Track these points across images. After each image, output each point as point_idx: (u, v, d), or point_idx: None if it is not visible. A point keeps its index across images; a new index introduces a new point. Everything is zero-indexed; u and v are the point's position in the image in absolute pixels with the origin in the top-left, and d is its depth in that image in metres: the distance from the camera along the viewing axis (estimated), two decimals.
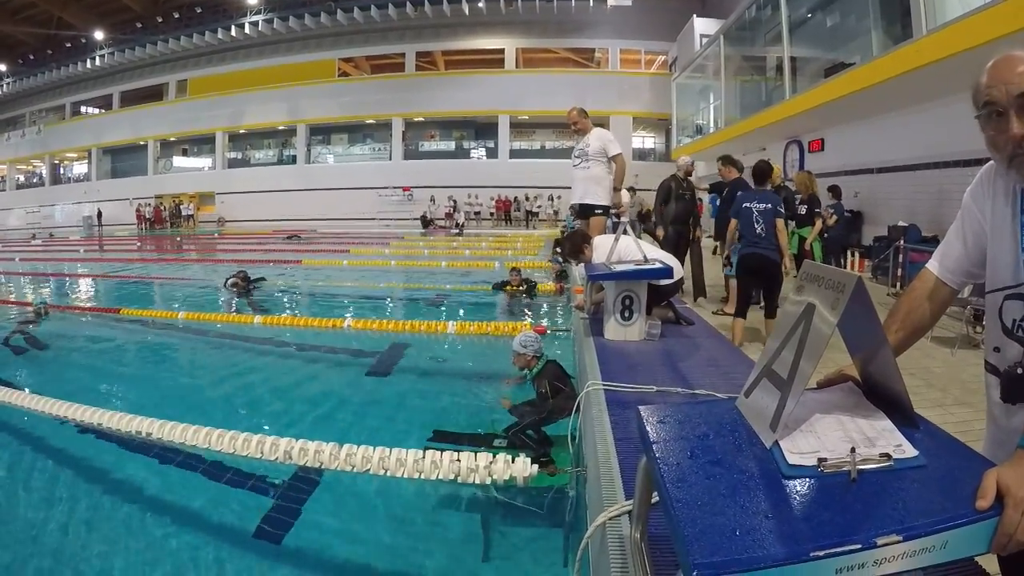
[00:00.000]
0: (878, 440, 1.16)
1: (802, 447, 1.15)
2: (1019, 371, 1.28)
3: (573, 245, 5.15)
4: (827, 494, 1.03)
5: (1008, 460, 1.06)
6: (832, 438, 1.18)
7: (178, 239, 28.08)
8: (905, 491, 1.03)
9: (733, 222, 6.22)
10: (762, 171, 6.23)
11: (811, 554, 0.89)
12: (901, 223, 9.87)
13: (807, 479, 1.07)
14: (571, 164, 6.68)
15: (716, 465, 1.15)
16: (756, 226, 5.87)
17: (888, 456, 1.09)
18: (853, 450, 1.08)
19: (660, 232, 8.11)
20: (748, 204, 5.98)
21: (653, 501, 1.45)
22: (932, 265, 1.55)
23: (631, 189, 12.56)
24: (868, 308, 1.17)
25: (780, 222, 5.82)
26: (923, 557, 0.94)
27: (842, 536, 0.91)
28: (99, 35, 35.94)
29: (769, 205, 5.84)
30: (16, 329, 8.23)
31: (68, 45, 37.98)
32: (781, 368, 1.23)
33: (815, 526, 0.95)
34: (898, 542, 0.91)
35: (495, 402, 5.19)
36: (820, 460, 1.09)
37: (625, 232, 4.88)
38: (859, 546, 0.90)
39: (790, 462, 1.11)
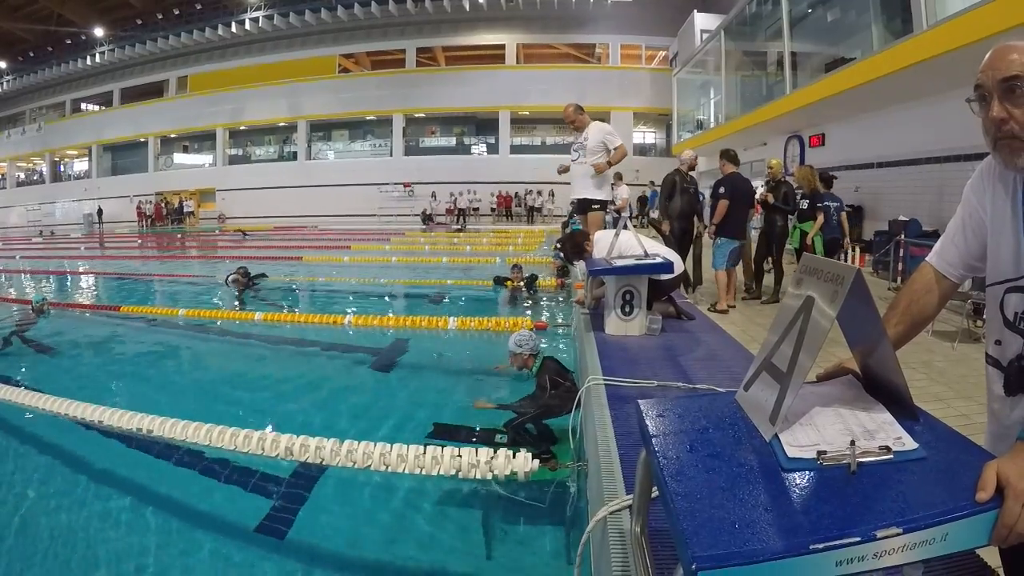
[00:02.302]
0: (878, 433, 1.16)
1: (802, 440, 1.15)
2: (1022, 364, 1.28)
3: (574, 245, 5.15)
4: (827, 487, 1.03)
5: (1008, 452, 1.06)
6: (832, 431, 1.18)
7: (179, 236, 28.08)
8: (905, 483, 1.03)
9: (821, 215, 7.73)
10: (829, 178, 8.37)
11: (810, 547, 0.89)
12: (902, 217, 9.86)
13: (806, 472, 1.07)
14: (570, 159, 6.67)
15: (715, 458, 1.15)
16: (833, 218, 7.79)
17: (888, 449, 1.09)
18: (853, 443, 1.08)
19: (666, 227, 8.09)
20: (827, 203, 7.77)
21: (653, 495, 1.45)
22: (932, 258, 1.54)
23: (648, 184, 12.58)
24: (867, 301, 1.16)
25: (843, 215, 8.05)
26: (923, 549, 0.94)
27: (841, 529, 0.91)
28: (99, 32, 35.89)
29: (839, 203, 7.96)
30: (16, 326, 8.24)
31: (68, 42, 37.92)
32: (780, 361, 1.23)
33: (814, 519, 0.95)
34: (898, 534, 0.91)
35: (487, 398, 5.21)
36: (820, 453, 1.09)
37: (625, 227, 4.87)
38: (858, 539, 0.90)
39: (789, 455, 1.11)
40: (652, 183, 20.49)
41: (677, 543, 0.97)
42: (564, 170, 6.78)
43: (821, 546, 0.89)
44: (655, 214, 18.52)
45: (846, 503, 0.98)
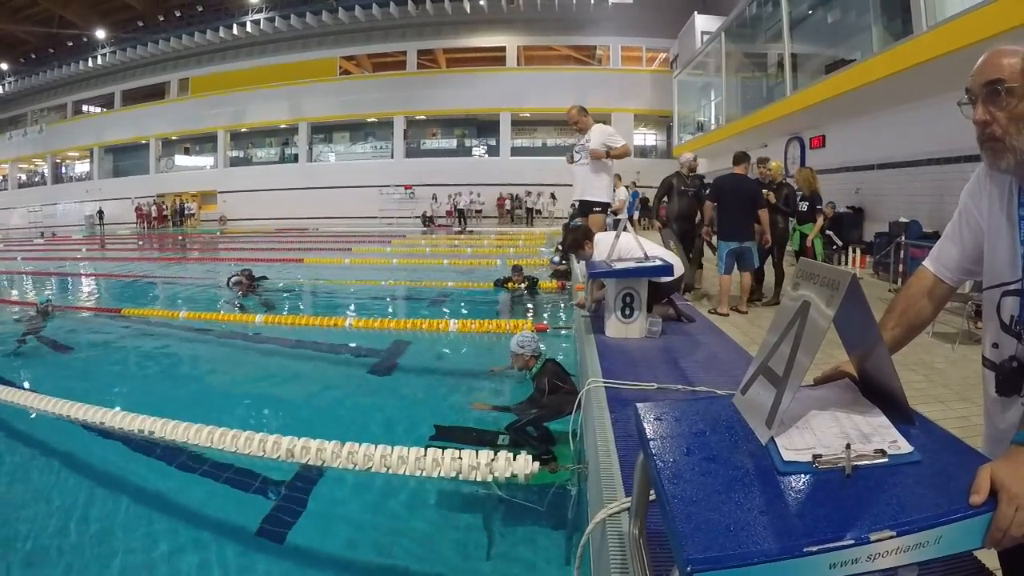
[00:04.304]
0: (873, 436, 1.17)
1: (798, 443, 1.16)
2: (1014, 364, 1.29)
3: (575, 239, 5.15)
4: (821, 490, 1.04)
5: (1003, 455, 1.07)
6: (828, 434, 1.18)
7: (180, 237, 28.12)
8: (899, 487, 1.03)
9: (821, 218, 8.15)
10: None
11: (804, 549, 0.90)
12: (902, 219, 9.86)
13: (802, 475, 1.08)
14: (571, 161, 6.69)
15: (712, 462, 1.16)
16: None
17: (883, 452, 1.10)
18: (848, 446, 1.09)
19: (656, 224, 8.08)
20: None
21: (651, 498, 1.46)
22: (929, 262, 1.55)
23: (628, 185, 12.56)
24: (863, 305, 1.17)
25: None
26: (917, 552, 0.94)
27: (836, 531, 0.92)
28: (101, 34, 35.92)
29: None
30: (27, 328, 8.25)
31: (70, 44, 37.95)
32: (777, 365, 1.24)
33: (809, 522, 0.96)
34: (891, 537, 0.92)
35: (483, 398, 5.25)
36: (815, 456, 1.10)
37: (625, 229, 4.88)
38: (852, 541, 0.91)
39: (785, 458, 1.11)
40: (634, 184, 20.44)
41: (673, 545, 0.98)
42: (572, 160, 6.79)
43: (815, 548, 0.90)
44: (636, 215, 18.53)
45: (841, 506, 0.99)
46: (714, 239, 7.66)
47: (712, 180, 7.39)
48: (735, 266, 7.17)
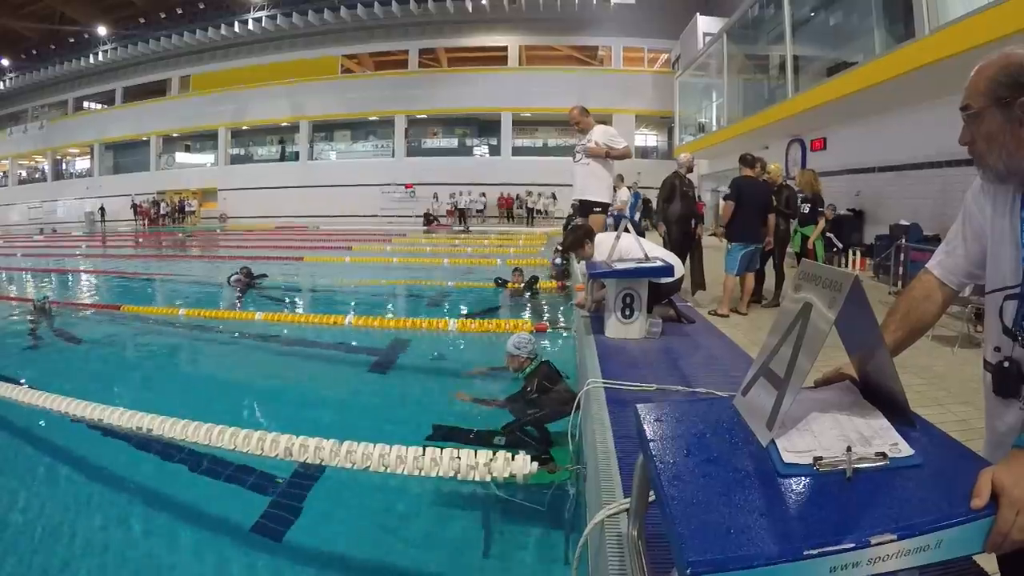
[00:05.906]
0: (874, 439, 1.16)
1: (798, 446, 1.15)
2: (1010, 365, 1.29)
3: (575, 238, 5.14)
4: (822, 493, 1.04)
5: (1004, 459, 1.06)
6: (828, 437, 1.18)
7: (180, 235, 28.10)
8: (900, 490, 1.03)
9: (823, 220, 8.18)
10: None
11: (804, 553, 0.89)
12: (903, 222, 9.84)
13: (802, 478, 1.08)
14: (572, 160, 6.69)
15: (712, 464, 1.15)
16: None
17: (884, 455, 1.09)
18: (849, 449, 1.09)
19: (662, 228, 8.04)
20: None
21: (650, 499, 1.45)
22: (932, 265, 1.55)
23: (630, 186, 12.51)
24: (865, 307, 1.17)
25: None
26: (918, 556, 0.94)
27: (836, 535, 0.92)
28: (102, 30, 35.95)
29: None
30: (24, 326, 8.25)
31: (71, 40, 37.99)
32: (778, 366, 1.23)
33: (809, 525, 0.95)
34: (892, 541, 0.91)
35: (468, 392, 5.27)
36: (816, 459, 1.09)
37: (626, 230, 4.88)
38: (853, 545, 0.90)
39: (786, 461, 1.11)
40: (635, 184, 20.31)
41: (672, 547, 0.97)
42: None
43: (815, 552, 0.89)
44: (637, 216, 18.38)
45: (841, 509, 0.98)
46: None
47: (732, 181, 7.36)
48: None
